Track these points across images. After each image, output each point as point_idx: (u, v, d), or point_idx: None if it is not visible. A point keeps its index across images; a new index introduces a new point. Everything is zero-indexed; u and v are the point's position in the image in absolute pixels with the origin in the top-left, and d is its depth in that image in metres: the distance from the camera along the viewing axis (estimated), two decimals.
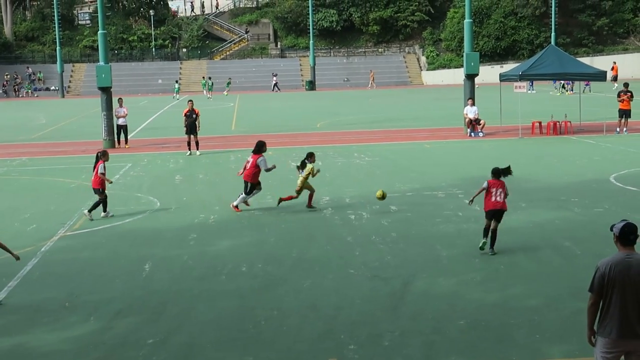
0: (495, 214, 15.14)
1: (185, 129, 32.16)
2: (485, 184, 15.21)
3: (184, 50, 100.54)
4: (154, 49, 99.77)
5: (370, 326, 11.42)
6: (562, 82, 62.91)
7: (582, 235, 16.28)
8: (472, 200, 15.80)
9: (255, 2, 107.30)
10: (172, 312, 12.38)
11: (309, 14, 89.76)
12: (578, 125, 37.13)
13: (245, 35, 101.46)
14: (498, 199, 15.12)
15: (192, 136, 32.02)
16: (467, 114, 36.23)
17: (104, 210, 19.85)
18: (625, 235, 7.81)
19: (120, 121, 35.49)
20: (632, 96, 35.50)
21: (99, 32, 36.05)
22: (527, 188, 22.17)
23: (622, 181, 22.70)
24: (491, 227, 15.15)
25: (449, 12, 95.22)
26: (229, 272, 14.45)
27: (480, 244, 15.20)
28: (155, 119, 52.79)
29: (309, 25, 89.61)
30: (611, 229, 7.96)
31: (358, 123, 44.57)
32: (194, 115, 31.75)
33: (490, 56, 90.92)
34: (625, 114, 35.04)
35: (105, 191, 19.82)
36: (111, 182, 20.43)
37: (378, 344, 10.73)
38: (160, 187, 24.44)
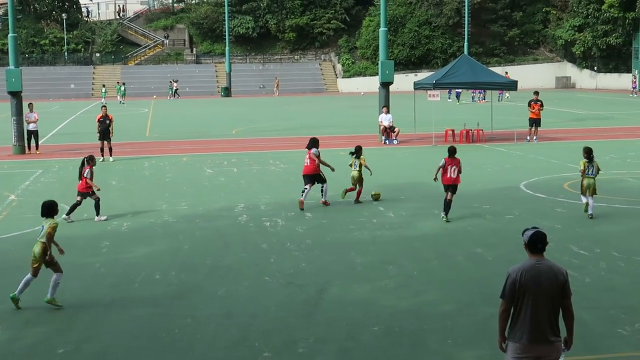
0: (450, 187, 18.63)
1: (98, 134, 31.65)
2: (442, 162, 18.79)
3: (97, 54, 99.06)
4: (66, 53, 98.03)
5: (285, 333, 11.41)
6: (457, 92, 63.92)
7: (494, 242, 16.57)
8: (435, 178, 19.04)
9: (170, 8, 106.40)
10: (83, 320, 12.16)
11: (225, 20, 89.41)
12: (490, 134, 37.81)
13: (164, 40, 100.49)
14: (453, 175, 18.72)
15: (105, 142, 31.51)
16: (382, 122, 36.54)
17: (97, 214, 19.84)
18: (534, 243, 7.97)
19: (31, 126, 34.73)
20: (542, 105, 36.27)
21: (9, 35, 35.17)
22: (440, 195, 22.40)
23: (532, 188, 23.19)
24: (447, 197, 18.54)
25: (364, 21, 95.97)
26: (143, 280, 14.28)
27: (445, 219, 18.52)
28: (68, 124, 51.83)
29: (225, 32, 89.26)
30: (522, 235, 8.11)
31: (274, 130, 44.57)
32: (108, 121, 31.27)
33: (405, 64, 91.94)
34: (535, 122, 35.78)
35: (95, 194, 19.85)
36: (98, 189, 20.14)
37: (293, 351, 10.73)
38: (72, 194, 23.85)
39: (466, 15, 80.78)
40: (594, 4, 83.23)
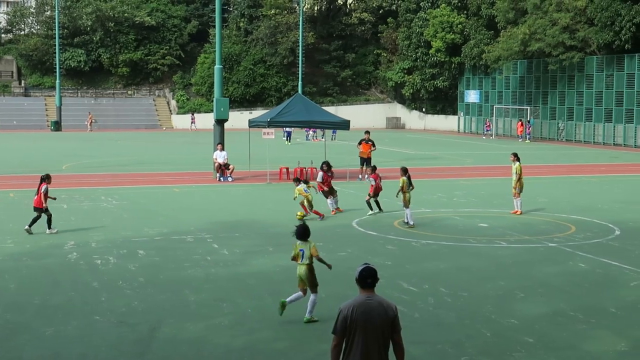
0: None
1: None
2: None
3: None
4: None
5: None
6: (288, 131, 64.15)
7: (327, 279, 16.76)
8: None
9: None
10: None
11: (55, 53, 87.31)
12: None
13: None
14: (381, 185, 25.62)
15: None
16: (216, 159, 36.51)
17: (49, 227, 21.87)
18: (363, 278, 8.15)
19: None
20: (373, 145, 37.08)
21: None
22: (274, 233, 22.63)
23: (363, 226, 23.69)
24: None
25: (199, 57, 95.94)
26: None
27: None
28: None
29: (56, 64, 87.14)
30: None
31: (106, 166, 43.70)
32: None
33: (240, 102, 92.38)
34: (365, 161, 36.54)
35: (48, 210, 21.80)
36: (54, 199, 22.87)
37: None
38: None
39: (300, 55, 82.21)
40: (422, 49, 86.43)
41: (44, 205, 21.83)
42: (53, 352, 12.10)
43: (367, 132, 38.09)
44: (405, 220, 23.80)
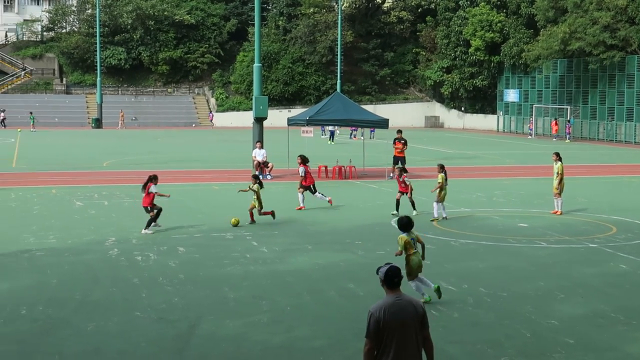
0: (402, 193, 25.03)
1: None
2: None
3: None
4: None
5: None
6: (332, 130, 63.90)
7: (365, 277, 16.77)
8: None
9: (39, 36, 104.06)
10: None
11: (96, 51, 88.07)
12: (362, 170, 38.37)
13: (28, 69, 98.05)
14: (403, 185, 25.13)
15: None
16: (255, 157, 36.62)
17: (147, 226, 21.95)
18: (390, 278, 8.09)
19: None
20: (405, 143, 36.81)
21: None
22: (313, 231, 22.67)
23: None
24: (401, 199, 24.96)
25: (238, 56, 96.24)
26: (7, 316, 13.82)
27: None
28: None
29: (97, 62, 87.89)
30: (377, 273, 8.23)
31: (146, 163, 44.01)
32: None
33: (279, 100, 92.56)
34: (400, 159, 36.36)
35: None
36: (168, 196, 23.35)
37: None
38: None
39: (339, 53, 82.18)
40: (461, 47, 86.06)
41: (151, 204, 22.01)
42: (94, 347, 12.22)
43: (399, 132, 37.74)
44: (444, 216, 24.60)
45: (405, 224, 14.60)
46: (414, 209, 25.16)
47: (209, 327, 13.31)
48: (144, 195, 22.12)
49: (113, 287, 15.97)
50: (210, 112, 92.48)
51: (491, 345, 12.48)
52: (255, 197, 23.56)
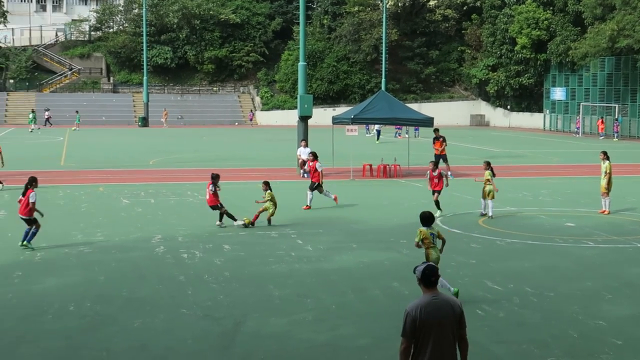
0: (435, 191, 24.69)
1: None
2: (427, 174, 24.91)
3: (11, 81, 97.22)
4: None
5: None
6: (378, 129, 63.56)
7: (410, 276, 16.60)
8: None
9: (87, 36, 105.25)
10: None
11: (143, 50, 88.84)
12: (407, 169, 38.27)
13: (76, 68, 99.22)
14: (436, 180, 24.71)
15: None
16: (300, 155, 36.68)
17: (229, 218, 22.78)
18: (427, 277, 8.08)
19: None
20: (444, 141, 36.51)
21: None
22: (357, 229, 22.65)
23: (447, 224, 23.53)
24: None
25: (283, 55, 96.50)
26: (56, 312, 14.00)
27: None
28: None
29: (143, 61, 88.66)
30: (414, 272, 8.21)
31: (192, 161, 44.31)
32: None
33: (323, 99, 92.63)
34: (441, 158, 36.16)
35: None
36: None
37: None
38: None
39: (383, 52, 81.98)
40: (507, 45, 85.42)
41: (217, 202, 22.73)
42: (140, 343, 12.34)
43: (437, 130, 37.41)
44: (490, 214, 24.60)
45: (426, 218, 14.87)
46: (439, 208, 24.82)
47: (254, 324, 13.36)
48: (208, 195, 22.81)
49: (159, 284, 16.11)
50: (251, 111, 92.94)
51: (537, 346, 12.37)
52: (271, 202, 23.16)
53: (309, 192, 26.97)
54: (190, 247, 19.92)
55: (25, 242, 19.41)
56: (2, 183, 30.71)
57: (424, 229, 14.81)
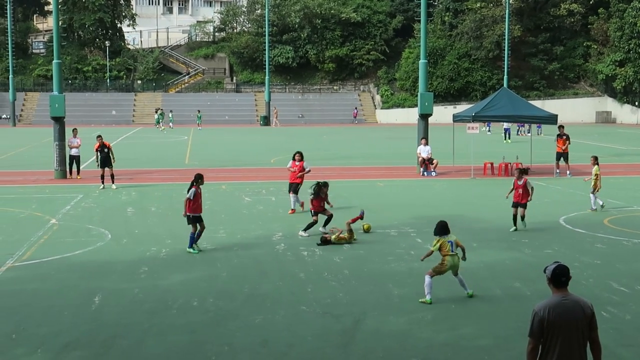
0: (518, 204, 21.75)
1: (97, 163, 31.82)
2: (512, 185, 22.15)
3: (139, 82, 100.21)
4: (108, 80, 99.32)
5: None
6: (507, 128, 61.93)
7: (532, 276, 16.43)
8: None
9: (211, 37, 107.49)
10: (121, 346, 12.24)
11: (265, 50, 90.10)
12: (529, 167, 37.56)
13: (200, 69, 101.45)
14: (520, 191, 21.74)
15: (106, 169, 31.56)
16: (420, 153, 36.49)
17: (324, 225, 21.55)
18: (557, 277, 7.91)
19: (73, 151, 35.18)
20: (568, 139, 35.69)
21: (54, 61, 35.66)
22: (478, 228, 22.37)
23: (571, 223, 23.00)
24: (518, 213, 21.72)
25: (404, 52, 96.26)
26: (180, 307, 14.34)
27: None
28: None
29: (265, 61, 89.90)
30: (544, 271, 8.05)
31: (312, 159, 44.47)
32: (106, 150, 31.46)
33: (444, 97, 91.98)
34: (562, 156, 35.35)
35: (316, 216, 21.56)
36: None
37: None
38: (111, 219, 24.23)
39: (506, 48, 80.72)
40: (635, 39, 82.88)
41: (323, 207, 21.84)
42: (262, 339, 12.50)
43: (561, 127, 36.61)
44: (600, 205, 25.46)
45: (441, 227, 14.78)
46: (522, 219, 21.82)
47: (373, 322, 13.37)
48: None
49: (280, 281, 16.30)
50: (355, 109, 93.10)
51: None
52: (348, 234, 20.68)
53: (291, 196, 25.44)
54: (310, 245, 20.08)
55: (189, 249, 19.31)
56: (104, 183, 31.38)
57: (441, 237, 14.65)
